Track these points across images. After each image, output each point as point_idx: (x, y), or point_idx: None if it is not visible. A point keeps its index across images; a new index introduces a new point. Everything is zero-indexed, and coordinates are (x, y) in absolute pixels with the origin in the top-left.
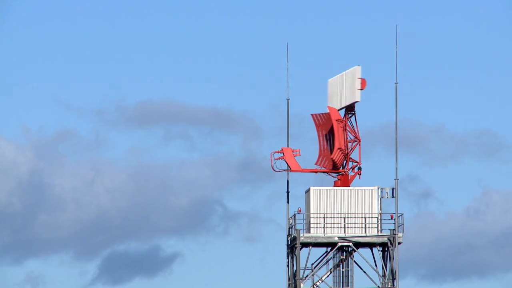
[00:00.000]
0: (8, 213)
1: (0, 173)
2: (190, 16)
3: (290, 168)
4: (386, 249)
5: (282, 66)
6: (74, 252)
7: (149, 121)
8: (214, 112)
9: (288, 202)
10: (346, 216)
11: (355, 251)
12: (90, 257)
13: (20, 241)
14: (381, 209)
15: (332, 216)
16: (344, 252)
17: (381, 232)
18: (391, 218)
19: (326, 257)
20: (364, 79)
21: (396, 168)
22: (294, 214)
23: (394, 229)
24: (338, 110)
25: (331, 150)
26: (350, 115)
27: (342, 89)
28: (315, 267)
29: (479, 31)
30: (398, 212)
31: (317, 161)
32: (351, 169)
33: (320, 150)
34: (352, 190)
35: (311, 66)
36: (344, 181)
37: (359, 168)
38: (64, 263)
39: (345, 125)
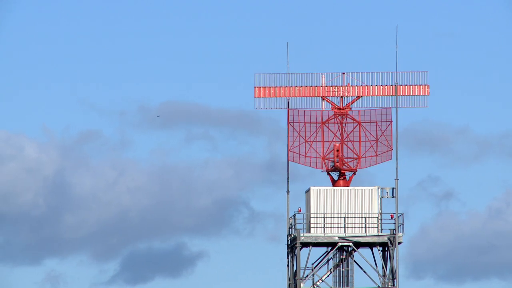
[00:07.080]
0: (33, 213)
1: (26, 173)
2: (214, 18)
3: None
4: (386, 249)
5: (304, 68)
6: (97, 251)
7: (171, 122)
8: (239, 113)
9: (288, 202)
10: (346, 216)
11: (355, 251)
12: (114, 256)
13: (43, 240)
14: (381, 209)
15: (332, 216)
16: (344, 252)
17: (381, 232)
18: (391, 218)
19: (326, 257)
20: (259, 87)
21: (396, 168)
22: (294, 214)
23: (394, 229)
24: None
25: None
26: None
27: None
28: (315, 267)
29: (495, 33)
30: (399, 212)
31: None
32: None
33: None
34: (352, 190)
35: (311, 66)
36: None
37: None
38: (84, 263)
39: None
